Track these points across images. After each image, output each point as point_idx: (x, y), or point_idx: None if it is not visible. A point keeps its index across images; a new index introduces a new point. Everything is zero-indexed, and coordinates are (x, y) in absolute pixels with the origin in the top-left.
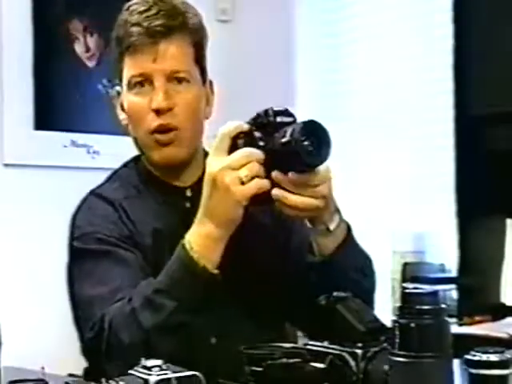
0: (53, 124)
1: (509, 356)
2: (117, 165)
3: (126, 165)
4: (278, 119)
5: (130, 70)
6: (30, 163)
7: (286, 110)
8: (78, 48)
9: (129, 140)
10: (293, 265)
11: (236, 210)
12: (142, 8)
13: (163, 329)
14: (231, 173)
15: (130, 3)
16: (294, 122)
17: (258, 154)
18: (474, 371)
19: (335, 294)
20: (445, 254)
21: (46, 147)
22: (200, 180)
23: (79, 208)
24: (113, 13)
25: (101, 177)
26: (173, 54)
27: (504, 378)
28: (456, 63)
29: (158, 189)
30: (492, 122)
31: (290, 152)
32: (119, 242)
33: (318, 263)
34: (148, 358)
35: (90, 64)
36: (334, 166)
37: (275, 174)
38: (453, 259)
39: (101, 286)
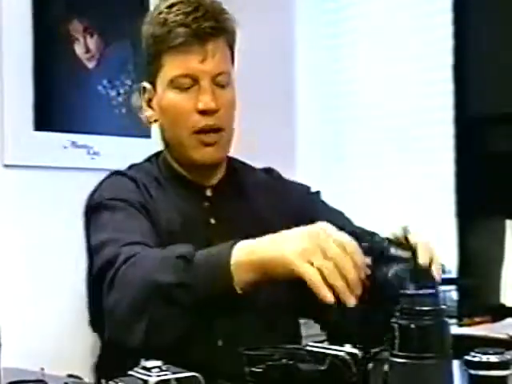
0: (53, 125)
1: (509, 357)
2: (117, 166)
3: (148, 159)
4: (395, 252)
5: (173, 69)
6: (30, 164)
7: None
8: (78, 49)
9: (129, 141)
10: None
11: (280, 269)
12: (189, 9)
13: (166, 294)
14: (317, 251)
15: (166, 2)
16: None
17: (362, 258)
18: (473, 372)
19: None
20: (444, 254)
21: (46, 148)
22: (221, 182)
23: (100, 184)
24: (113, 14)
25: (101, 178)
26: (218, 55)
27: (504, 378)
28: (456, 64)
29: (178, 185)
30: (492, 123)
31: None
32: (136, 204)
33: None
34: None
35: (90, 65)
36: (332, 167)
37: None
38: (452, 260)
39: (116, 232)
